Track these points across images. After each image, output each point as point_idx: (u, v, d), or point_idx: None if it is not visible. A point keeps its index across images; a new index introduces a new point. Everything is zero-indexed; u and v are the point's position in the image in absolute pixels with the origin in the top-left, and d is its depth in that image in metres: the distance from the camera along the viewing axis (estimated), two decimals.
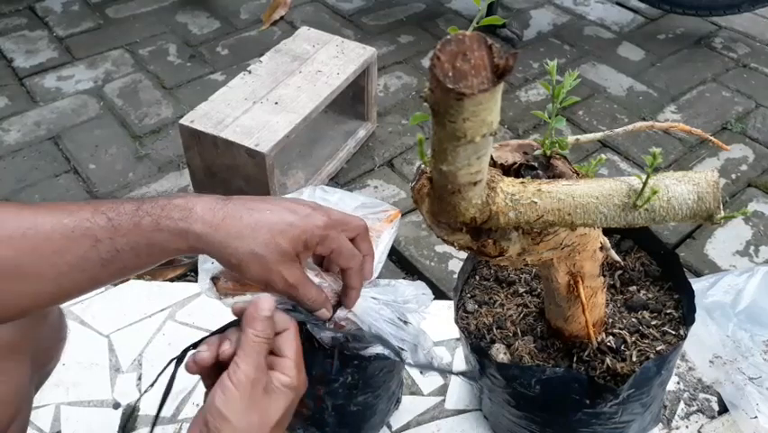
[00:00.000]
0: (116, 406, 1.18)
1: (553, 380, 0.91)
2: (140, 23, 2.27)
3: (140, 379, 1.22)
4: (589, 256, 0.86)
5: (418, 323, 0.94)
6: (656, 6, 2.21)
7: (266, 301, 0.66)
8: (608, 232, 0.96)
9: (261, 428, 0.61)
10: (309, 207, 0.73)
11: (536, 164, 0.75)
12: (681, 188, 0.65)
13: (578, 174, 0.76)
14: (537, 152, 0.76)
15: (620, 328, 0.99)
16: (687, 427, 1.14)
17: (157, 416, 0.78)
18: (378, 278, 0.96)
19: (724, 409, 1.16)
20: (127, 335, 1.28)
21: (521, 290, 1.09)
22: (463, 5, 2.39)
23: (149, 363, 1.24)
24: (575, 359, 0.97)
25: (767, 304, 1.26)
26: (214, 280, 0.87)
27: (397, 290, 0.94)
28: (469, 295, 1.09)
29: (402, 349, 0.90)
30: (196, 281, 0.98)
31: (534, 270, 1.10)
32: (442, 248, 1.49)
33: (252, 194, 1.42)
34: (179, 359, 0.73)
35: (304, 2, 2.40)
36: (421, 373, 0.94)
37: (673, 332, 0.99)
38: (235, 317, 0.71)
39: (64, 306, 0.90)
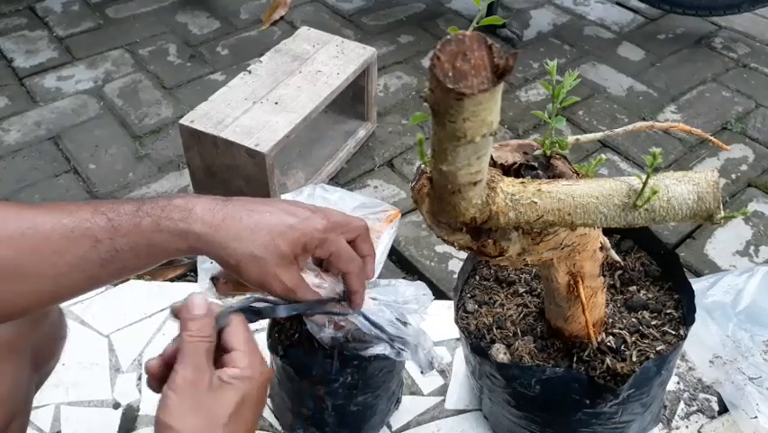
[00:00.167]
0: (116, 406, 1.18)
1: (553, 380, 0.91)
2: (140, 23, 2.27)
3: (140, 379, 1.22)
4: (589, 256, 0.86)
5: (418, 323, 0.94)
6: (656, 6, 2.21)
7: (197, 301, 0.64)
8: (607, 232, 0.96)
9: (211, 426, 0.58)
10: (309, 209, 0.73)
11: (536, 164, 0.75)
12: (681, 188, 0.65)
13: (578, 174, 0.76)
14: (537, 152, 0.76)
15: (620, 328, 0.99)
16: (687, 427, 1.14)
17: None
18: (378, 278, 0.96)
19: (724, 410, 1.16)
20: (127, 335, 1.28)
21: (521, 289, 1.09)
22: (463, 5, 2.39)
23: None
24: (575, 359, 0.97)
25: (767, 304, 1.26)
26: (214, 280, 0.87)
27: (398, 290, 0.94)
28: (469, 295, 1.09)
29: (402, 350, 0.90)
30: (196, 281, 0.98)
31: (534, 270, 1.10)
32: (442, 248, 1.49)
33: (252, 194, 1.42)
34: None
35: (304, 2, 2.40)
36: (422, 373, 0.94)
37: (673, 332, 0.99)
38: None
39: (64, 305, 0.91)
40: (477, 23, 0.64)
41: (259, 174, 1.41)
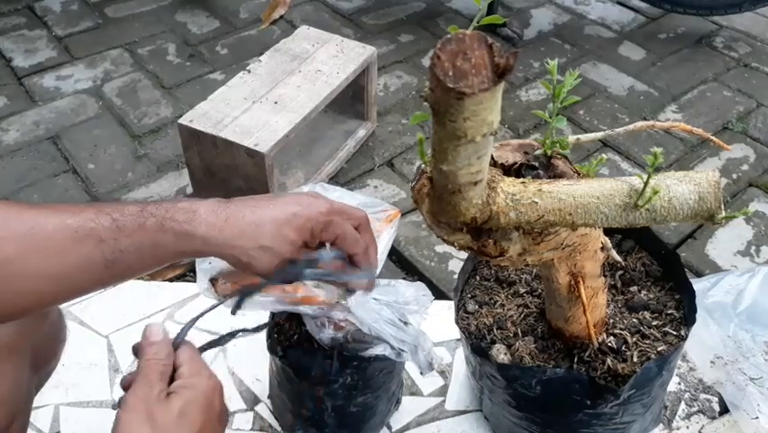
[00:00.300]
0: (115, 406, 1.17)
1: (553, 380, 0.91)
2: (139, 23, 2.26)
3: None
4: (590, 256, 0.85)
5: (419, 324, 0.93)
6: (657, 6, 2.21)
7: (153, 330, 0.69)
8: (608, 232, 0.96)
9: (159, 431, 0.62)
10: (310, 196, 0.74)
11: (537, 164, 0.75)
12: (682, 188, 0.65)
13: (579, 174, 0.76)
14: (538, 152, 0.76)
15: (621, 329, 0.99)
16: (688, 427, 1.13)
17: None
18: (378, 278, 0.95)
19: (725, 410, 1.15)
20: (126, 335, 1.28)
21: (522, 290, 1.08)
22: (463, 4, 2.39)
23: None
24: (576, 360, 0.97)
25: None
26: (213, 281, 0.87)
27: (398, 290, 0.93)
28: (469, 295, 1.09)
29: (402, 350, 0.90)
30: (195, 282, 0.98)
31: (534, 270, 1.10)
32: (442, 248, 1.48)
33: (252, 194, 1.42)
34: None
35: (303, 1, 2.40)
36: (421, 374, 0.94)
37: (674, 332, 0.99)
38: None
39: (63, 306, 0.90)
40: (477, 22, 0.63)
41: (258, 174, 1.40)
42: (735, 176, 1.70)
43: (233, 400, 1.18)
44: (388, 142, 1.79)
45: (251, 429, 1.14)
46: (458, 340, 1.24)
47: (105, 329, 1.29)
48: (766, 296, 1.26)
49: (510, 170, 0.75)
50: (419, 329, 0.93)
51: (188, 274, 1.41)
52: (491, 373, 0.98)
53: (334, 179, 1.67)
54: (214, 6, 2.35)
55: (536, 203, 0.67)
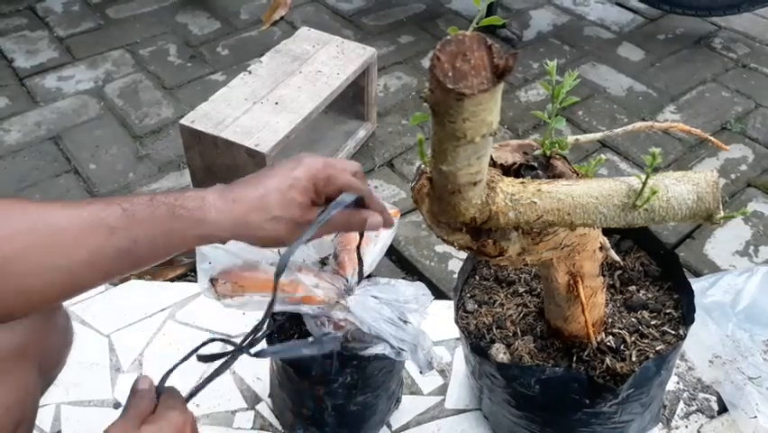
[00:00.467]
0: (117, 406, 1.18)
1: (552, 380, 0.91)
2: (140, 24, 2.27)
3: None
4: (589, 256, 0.86)
5: (418, 323, 0.94)
6: (656, 7, 2.21)
7: (141, 381, 0.72)
8: (607, 232, 0.96)
9: None
10: (304, 157, 0.75)
11: (536, 164, 0.75)
12: (680, 188, 0.65)
13: (577, 174, 0.76)
14: (537, 153, 0.76)
15: (620, 328, 0.99)
16: (686, 426, 1.14)
17: None
18: (377, 277, 0.96)
19: (723, 409, 1.16)
20: (127, 334, 1.29)
21: (521, 289, 1.09)
22: (463, 6, 2.39)
23: (149, 363, 1.24)
24: (575, 359, 0.97)
25: (766, 304, 1.26)
26: (213, 281, 0.87)
27: (398, 290, 0.94)
28: (469, 295, 1.09)
29: (402, 349, 0.91)
30: (196, 281, 0.98)
31: (533, 270, 1.10)
32: (442, 248, 1.49)
33: None
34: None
35: (304, 2, 2.40)
36: (421, 373, 0.94)
37: (673, 332, 0.99)
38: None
39: (64, 305, 0.90)
40: (477, 24, 0.64)
41: None
42: (733, 176, 1.70)
43: (234, 399, 1.18)
44: (388, 142, 1.80)
45: (251, 428, 1.15)
46: (457, 339, 1.25)
47: (106, 329, 1.30)
48: (765, 295, 1.26)
49: (510, 171, 0.75)
50: (419, 328, 0.93)
51: (189, 274, 1.41)
52: (491, 372, 0.98)
53: None
54: (214, 7, 2.36)
55: (535, 203, 0.67)
